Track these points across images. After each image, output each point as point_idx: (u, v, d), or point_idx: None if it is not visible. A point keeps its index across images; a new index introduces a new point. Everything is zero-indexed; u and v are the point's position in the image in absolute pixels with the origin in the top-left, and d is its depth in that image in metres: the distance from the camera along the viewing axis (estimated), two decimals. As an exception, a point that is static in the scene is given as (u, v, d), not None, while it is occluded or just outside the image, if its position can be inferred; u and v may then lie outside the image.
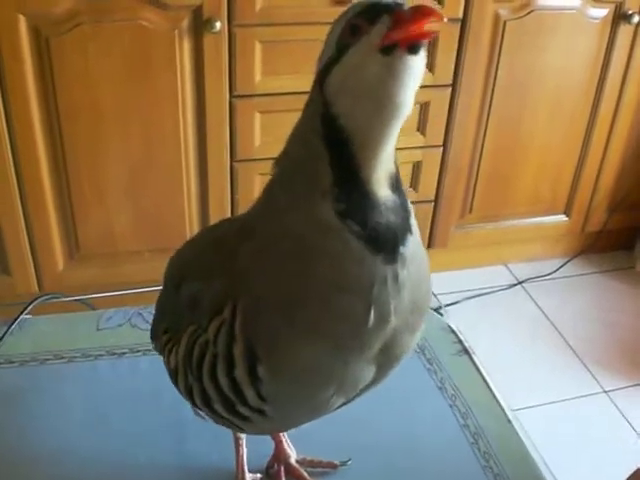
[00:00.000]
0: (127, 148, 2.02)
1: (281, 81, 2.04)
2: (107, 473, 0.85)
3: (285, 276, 0.62)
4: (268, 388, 0.65)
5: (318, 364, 0.64)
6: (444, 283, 2.49)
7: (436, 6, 0.50)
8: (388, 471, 0.86)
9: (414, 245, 0.63)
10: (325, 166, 0.60)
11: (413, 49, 0.54)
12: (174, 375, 0.72)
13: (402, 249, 0.62)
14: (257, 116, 2.07)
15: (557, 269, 2.65)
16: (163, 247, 2.19)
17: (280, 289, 0.63)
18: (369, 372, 0.66)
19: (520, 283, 2.60)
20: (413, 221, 0.64)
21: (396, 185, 0.62)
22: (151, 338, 0.79)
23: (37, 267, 2.13)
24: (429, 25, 0.53)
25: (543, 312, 2.49)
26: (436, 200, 2.40)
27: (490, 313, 2.45)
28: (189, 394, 0.71)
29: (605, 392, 2.20)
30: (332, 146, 0.60)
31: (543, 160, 2.44)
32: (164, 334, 0.75)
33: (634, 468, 1.76)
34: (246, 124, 2.08)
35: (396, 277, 0.62)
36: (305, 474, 0.86)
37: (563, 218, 2.60)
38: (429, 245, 2.46)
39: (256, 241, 0.65)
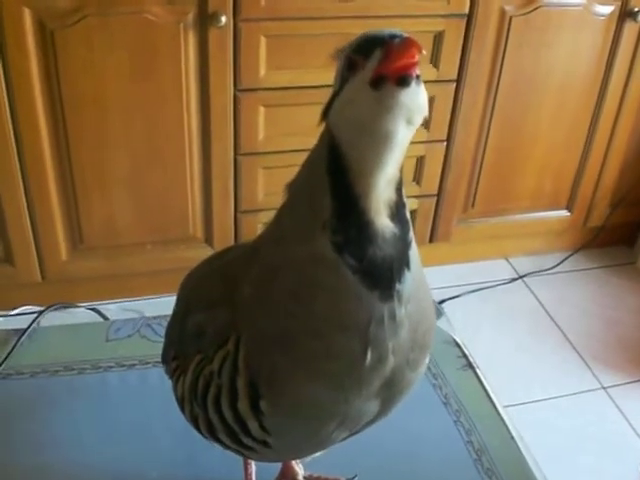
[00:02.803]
0: (131, 140, 2.03)
1: (286, 75, 2.04)
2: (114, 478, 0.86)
3: (283, 311, 0.63)
4: (270, 421, 0.65)
5: (318, 401, 0.64)
6: (446, 277, 2.51)
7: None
8: (392, 488, 0.88)
9: (413, 282, 0.63)
10: (327, 196, 0.60)
11: (402, 82, 0.54)
12: (181, 403, 0.73)
13: (398, 286, 0.61)
14: (261, 110, 2.07)
15: (558, 264, 2.66)
16: (166, 239, 2.21)
17: (279, 324, 0.63)
18: (372, 407, 0.67)
19: (521, 277, 2.61)
20: (413, 254, 0.63)
21: (397, 215, 0.62)
22: (162, 362, 0.80)
23: (40, 257, 2.14)
24: (416, 57, 0.53)
25: (543, 307, 2.50)
26: (439, 194, 2.41)
27: (491, 307, 2.47)
28: (195, 423, 0.72)
29: (604, 388, 2.22)
30: (334, 174, 0.60)
31: (546, 155, 2.45)
32: (173, 360, 0.76)
33: (632, 465, 1.78)
34: (250, 118, 2.08)
35: (393, 315, 0.62)
36: (312, 491, 0.87)
37: (565, 213, 2.60)
38: (431, 239, 2.47)
39: (258, 272, 0.65)
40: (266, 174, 2.18)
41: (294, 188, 0.65)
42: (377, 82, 0.54)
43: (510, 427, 0.95)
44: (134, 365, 0.99)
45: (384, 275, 0.61)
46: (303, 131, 2.12)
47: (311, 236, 0.61)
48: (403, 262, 0.62)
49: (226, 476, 0.87)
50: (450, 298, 2.44)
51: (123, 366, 0.99)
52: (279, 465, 0.88)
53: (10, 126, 1.89)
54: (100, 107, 1.95)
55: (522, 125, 2.36)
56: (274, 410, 0.65)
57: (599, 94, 2.37)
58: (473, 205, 2.48)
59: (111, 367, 0.99)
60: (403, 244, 0.62)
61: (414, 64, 0.53)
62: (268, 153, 2.16)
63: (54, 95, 1.89)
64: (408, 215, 0.63)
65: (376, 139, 0.58)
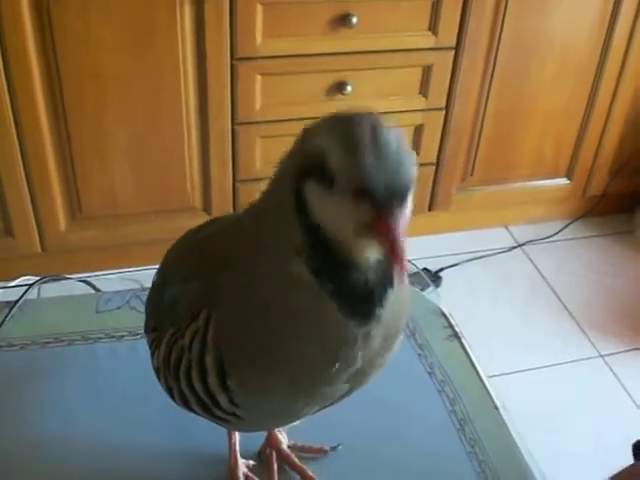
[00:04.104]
0: (129, 111, 2.02)
1: (282, 43, 2.03)
2: (104, 455, 0.87)
3: (256, 317, 0.63)
4: (239, 398, 0.67)
5: (282, 391, 0.66)
6: (444, 245, 2.51)
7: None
8: (375, 455, 0.89)
9: (394, 293, 0.61)
10: (297, 230, 0.58)
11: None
12: (157, 373, 0.75)
13: (379, 311, 0.60)
14: (258, 79, 2.07)
15: (557, 232, 2.65)
16: (165, 209, 2.22)
17: (248, 324, 0.63)
18: (340, 390, 0.67)
19: (520, 246, 2.61)
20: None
21: None
22: (145, 332, 0.81)
23: (40, 228, 2.15)
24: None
25: (542, 275, 2.50)
26: (438, 163, 2.39)
27: (489, 275, 2.47)
28: (170, 393, 0.73)
29: (601, 356, 2.22)
30: (303, 216, 0.58)
31: (546, 123, 2.43)
32: (152, 332, 0.77)
33: (629, 433, 1.79)
34: (247, 87, 2.07)
35: (368, 335, 0.61)
36: (296, 460, 0.88)
37: (565, 181, 2.59)
38: (430, 207, 2.47)
39: (236, 271, 0.65)
40: (264, 143, 2.18)
41: (267, 195, 0.63)
42: (361, 231, 0.55)
43: (494, 397, 0.96)
44: (123, 336, 1.00)
45: (364, 302, 0.60)
46: (301, 100, 2.13)
47: (287, 255, 0.59)
48: (387, 284, 0.60)
49: (213, 445, 0.88)
50: (449, 266, 2.44)
51: (113, 337, 1.00)
52: (263, 434, 0.89)
53: (7, 99, 1.89)
54: (97, 80, 1.94)
55: (522, 92, 2.34)
56: (241, 389, 0.66)
57: (599, 61, 2.34)
58: (472, 173, 2.47)
59: (101, 338, 1.00)
60: (385, 276, 0.60)
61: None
62: (266, 122, 2.16)
63: (51, 68, 1.89)
64: None
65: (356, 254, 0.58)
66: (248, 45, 2.00)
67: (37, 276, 1.12)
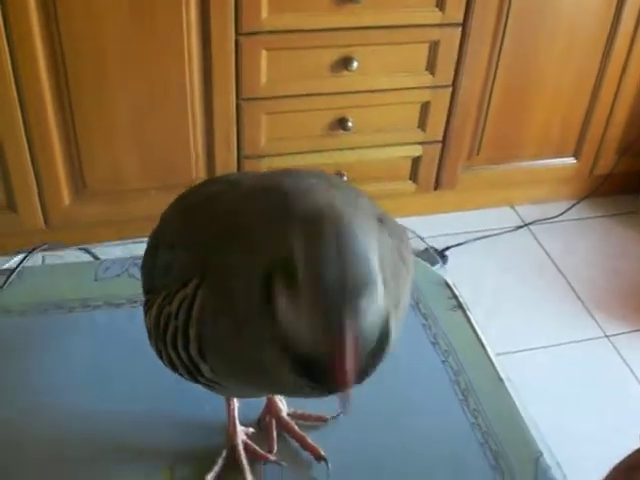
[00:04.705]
0: (132, 86, 2.01)
1: (288, 18, 2.01)
2: (101, 422, 0.86)
3: (227, 332, 0.63)
4: (219, 370, 0.67)
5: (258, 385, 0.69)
6: (450, 224, 2.50)
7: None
8: (377, 425, 0.88)
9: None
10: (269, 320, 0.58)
11: None
12: (149, 335, 0.74)
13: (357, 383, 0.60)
14: (264, 54, 2.05)
15: (564, 212, 2.64)
16: (169, 184, 2.20)
17: (220, 326, 0.63)
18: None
19: (526, 225, 2.59)
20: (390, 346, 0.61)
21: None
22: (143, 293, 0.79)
23: (43, 204, 2.14)
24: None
25: (548, 255, 2.49)
26: (444, 141, 2.38)
27: (495, 255, 2.45)
28: (160, 356, 0.73)
29: (607, 337, 2.21)
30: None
31: (554, 101, 2.41)
32: (146, 294, 0.76)
33: (633, 413, 1.78)
34: (252, 62, 2.05)
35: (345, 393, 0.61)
36: (296, 428, 0.87)
37: (572, 161, 2.57)
38: (436, 186, 2.46)
39: (217, 259, 0.64)
40: (269, 119, 2.16)
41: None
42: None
43: (499, 369, 0.94)
44: (122, 304, 0.99)
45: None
46: (306, 76, 2.11)
47: (262, 341, 0.60)
48: (373, 365, 0.62)
49: (211, 413, 0.87)
50: (454, 245, 2.43)
51: (111, 305, 0.99)
52: (263, 401, 0.88)
53: (10, 72, 1.88)
54: (100, 52, 1.92)
55: (529, 70, 2.32)
56: (217, 367, 0.67)
57: (608, 37, 2.31)
58: (478, 152, 2.45)
59: (100, 306, 0.99)
60: (376, 359, 0.61)
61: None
62: (271, 98, 2.14)
63: (54, 40, 1.87)
64: (392, 322, 0.60)
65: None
66: (253, 19, 1.98)
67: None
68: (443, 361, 0.95)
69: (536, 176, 2.59)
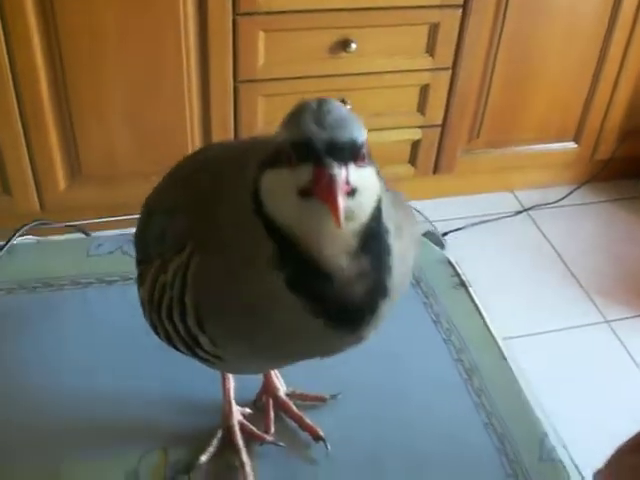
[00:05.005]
0: (128, 70, 1.98)
1: (286, -2, 1.97)
2: (93, 402, 0.84)
3: (229, 295, 0.60)
4: (219, 341, 0.64)
5: (255, 357, 0.66)
6: (449, 209, 2.47)
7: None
8: (378, 406, 0.85)
9: (394, 285, 0.59)
10: (261, 234, 0.57)
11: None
12: (142, 309, 0.71)
13: (370, 318, 0.58)
14: (261, 35, 2.01)
15: (564, 197, 2.61)
16: (166, 168, 2.17)
17: (222, 293, 0.61)
18: (332, 344, 0.63)
19: (526, 210, 2.56)
20: (392, 269, 0.58)
21: (367, 247, 0.57)
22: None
23: (38, 187, 2.11)
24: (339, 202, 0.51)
25: (548, 240, 2.46)
26: (443, 124, 2.34)
27: (495, 240, 2.43)
28: (155, 329, 0.70)
29: (607, 322, 2.19)
30: (263, 218, 0.57)
31: (554, 85, 2.38)
32: (139, 265, 0.73)
33: (633, 399, 1.76)
34: (250, 43, 2.02)
35: (360, 337, 0.60)
36: (294, 407, 0.84)
37: (572, 145, 2.54)
38: (435, 170, 2.43)
39: (216, 218, 0.62)
40: (266, 102, 2.13)
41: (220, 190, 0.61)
42: (305, 193, 0.53)
43: (502, 347, 0.92)
44: (115, 281, 0.96)
45: (351, 317, 0.58)
46: (304, 57, 2.08)
47: (262, 269, 0.57)
48: (377, 296, 0.58)
49: (206, 392, 0.84)
50: (453, 230, 2.40)
51: (104, 282, 0.96)
52: (260, 380, 0.85)
53: (6, 57, 1.85)
54: (96, 34, 1.89)
55: (530, 53, 2.29)
56: (216, 338, 0.64)
57: (609, 22, 2.28)
58: (478, 135, 2.42)
59: (91, 283, 0.96)
60: (377, 276, 0.58)
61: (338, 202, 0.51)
62: (268, 80, 2.10)
63: (49, 23, 1.84)
64: (390, 239, 0.58)
65: (309, 235, 0.55)
66: (250, 0, 1.94)
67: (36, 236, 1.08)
68: (445, 340, 0.92)
69: (536, 161, 2.56)
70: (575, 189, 2.64)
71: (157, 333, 0.70)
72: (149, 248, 0.71)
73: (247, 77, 2.08)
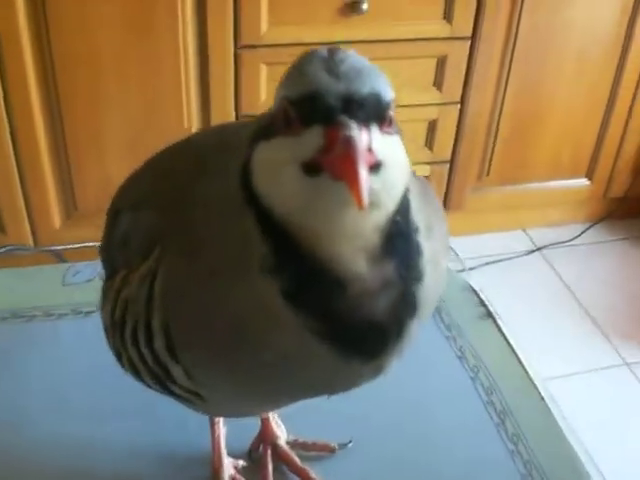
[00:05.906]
0: (126, 101, 1.93)
1: (288, 31, 1.93)
2: (65, 453, 0.73)
3: (207, 306, 0.48)
4: (194, 371, 0.51)
5: (239, 394, 0.52)
6: (459, 248, 2.38)
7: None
8: (396, 456, 0.73)
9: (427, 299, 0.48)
10: (253, 224, 0.44)
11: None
12: (106, 334, 0.59)
13: (393, 344, 0.46)
14: (263, 67, 1.95)
15: (578, 235, 2.54)
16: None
17: (197, 304, 0.48)
18: (342, 376, 0.49)
19: (539, 249, 2.50)
20: (424, 277, 0.46)
21: (392, 248, 0.44)
22: None
23: (32, 225, 2.05)
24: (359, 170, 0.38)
25: (562, 280, 2.40)
26: (452, 161, 2.29)
27: (507, 280, 2.36)
28: (119, 359, 0.58)
29: (627, 364, 2.12)
30: (255, 205, 0.44)
31: (565, 121, 2.33)
32: (104, 282, 0.61)
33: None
34: (251, 77, 1.96)
35: (380, 368, 0.48)
36: (296, 459, 0.72)
37: (585, 182, 2.48)
38: (444, 208, 2.33)
39: (191, 210, 0.49)
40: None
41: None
42: (312, 168, 0.40)
43: (539, 385, 0.80)
44: (91, 312, 0.84)
45: (370, 338, 0.45)
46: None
47: (246, 270, 0.45)
48: (406, 310, 0.46)
49: (194, 440, 0.73)
50: (464, 270, 2.31)
51: (79, 313, 0.85)
52: (256, 427, 0.73)
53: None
54: (93, 65, 1.85)
55: (540, 87, 2.24)
56: (191, 368, 0.50)
57: (620, 56, 2.24)
58: (488, 173, 2.37)
59: (65, 314, 0.85)
60: (404, 286, 0.45)
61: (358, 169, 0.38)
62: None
63: (44, 53, 1.80)
64: (421, 239, 0.46)
65: (315, 226, 0.43)
66: (252, 32, 1.91)
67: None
68: (472, 378, 0.81)
69: (549, 198, 2.51)
70: (589, 227, 2.58)
71: (121, 364, 0.58)
72: (113, 257, 0.59)
73: (249, 112, 2.00)
